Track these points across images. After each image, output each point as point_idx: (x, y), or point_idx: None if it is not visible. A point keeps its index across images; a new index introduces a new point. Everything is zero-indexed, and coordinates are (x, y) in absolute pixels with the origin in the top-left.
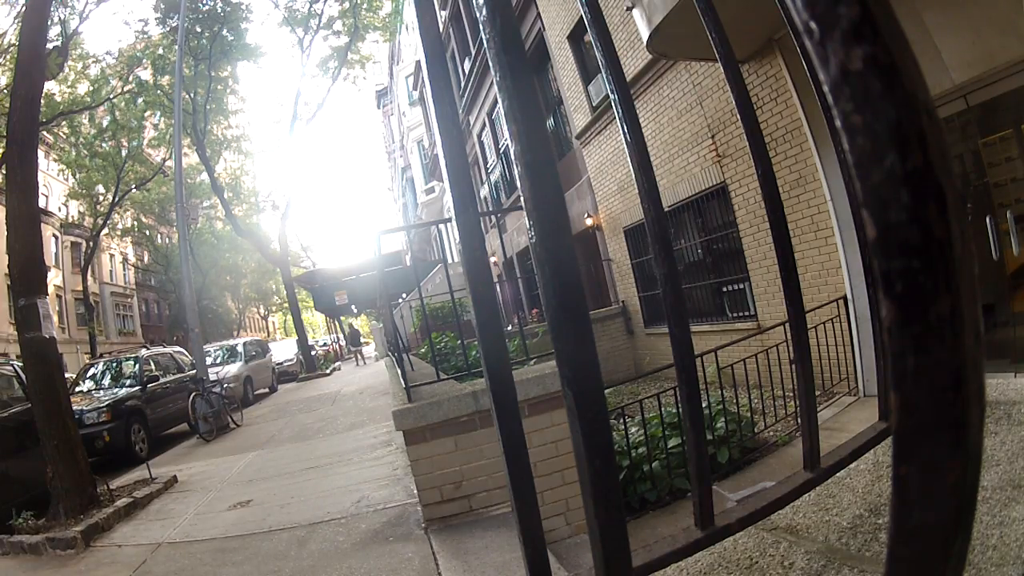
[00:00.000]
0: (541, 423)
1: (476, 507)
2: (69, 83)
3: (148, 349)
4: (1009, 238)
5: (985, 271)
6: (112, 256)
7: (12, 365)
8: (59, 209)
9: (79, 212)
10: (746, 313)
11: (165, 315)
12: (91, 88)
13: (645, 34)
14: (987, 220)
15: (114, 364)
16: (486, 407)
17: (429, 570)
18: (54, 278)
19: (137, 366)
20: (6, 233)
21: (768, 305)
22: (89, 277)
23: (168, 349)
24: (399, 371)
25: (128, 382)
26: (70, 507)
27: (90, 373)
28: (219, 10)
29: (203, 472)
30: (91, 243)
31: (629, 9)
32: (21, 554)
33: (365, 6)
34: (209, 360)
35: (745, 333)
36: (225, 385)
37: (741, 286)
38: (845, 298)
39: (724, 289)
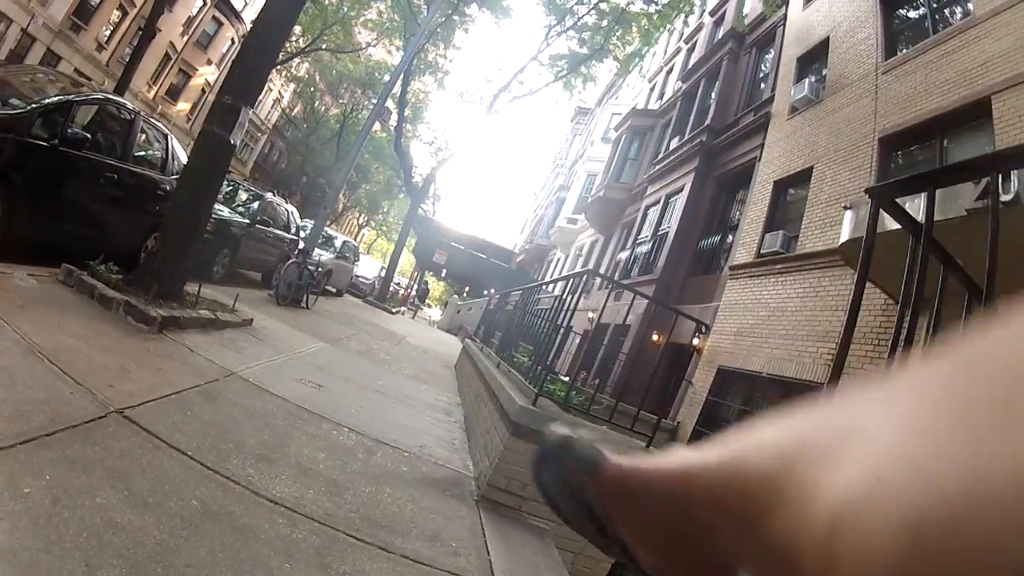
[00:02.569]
0: None
1: (523, 509)
2: None
3: (274, 194)
4: None
5: None
6: (269, 91)
7: (168, 134)
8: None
9: None
10: None
11: (280, 168)
12: None
13: (844, 235)
14: None
15: (237, 188)
16: None
17: (477, 535)
18: (212, 74)
19: (257, 203)
20: (248, 31)
21: None
22: None
23: (288, 205)
24: (517, 375)
25: (240, 210)
26: (161, 289)
27: None
28: None
29: (275, 333)
30: None
31: (845, 208)
32: (89, 300)
33: (618, 34)
34: (303, 234)
35: None
36: (318, 269)
37: None
38: None
39: None
